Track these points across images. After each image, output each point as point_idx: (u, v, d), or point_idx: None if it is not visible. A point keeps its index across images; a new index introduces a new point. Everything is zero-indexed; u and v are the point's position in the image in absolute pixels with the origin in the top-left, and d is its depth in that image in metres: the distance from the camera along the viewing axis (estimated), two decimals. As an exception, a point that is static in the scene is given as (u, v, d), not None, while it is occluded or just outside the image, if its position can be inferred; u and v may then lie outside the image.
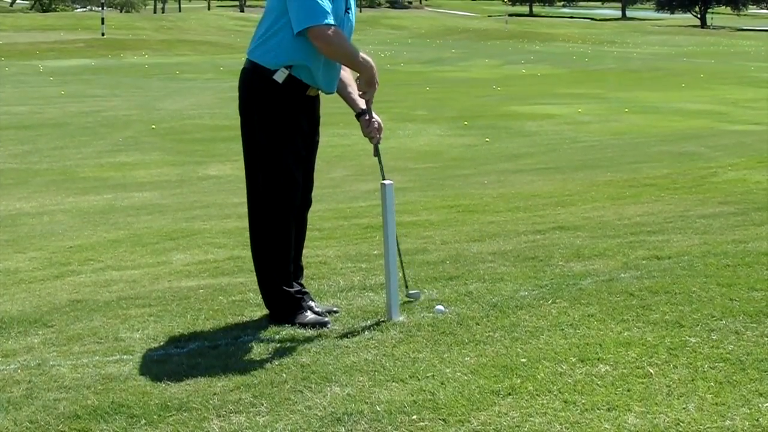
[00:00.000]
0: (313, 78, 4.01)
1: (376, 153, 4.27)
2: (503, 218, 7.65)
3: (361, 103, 4.19)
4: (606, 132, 17.93)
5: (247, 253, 6.12)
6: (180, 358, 3.86)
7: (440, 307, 4.39)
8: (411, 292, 4.45)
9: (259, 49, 3.99)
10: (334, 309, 4.43)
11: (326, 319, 4.23)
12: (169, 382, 3.55)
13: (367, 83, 3.96)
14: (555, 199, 8.77)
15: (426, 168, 13.43)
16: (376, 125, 4.20)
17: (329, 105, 4.73)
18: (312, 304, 4.36)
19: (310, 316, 4.22)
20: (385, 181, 4.11)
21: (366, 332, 4.06)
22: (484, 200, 8.89)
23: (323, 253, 6.12)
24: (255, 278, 4.39)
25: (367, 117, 4.13)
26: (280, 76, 3.93)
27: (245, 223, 4.50)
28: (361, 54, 3.93)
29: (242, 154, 4.26)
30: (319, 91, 4.11)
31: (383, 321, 4.20)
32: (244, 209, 4.26)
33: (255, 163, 4.05)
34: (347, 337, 4.00)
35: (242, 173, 4.30)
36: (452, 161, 14.19)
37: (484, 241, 6.44)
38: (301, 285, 4.41)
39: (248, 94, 4.03)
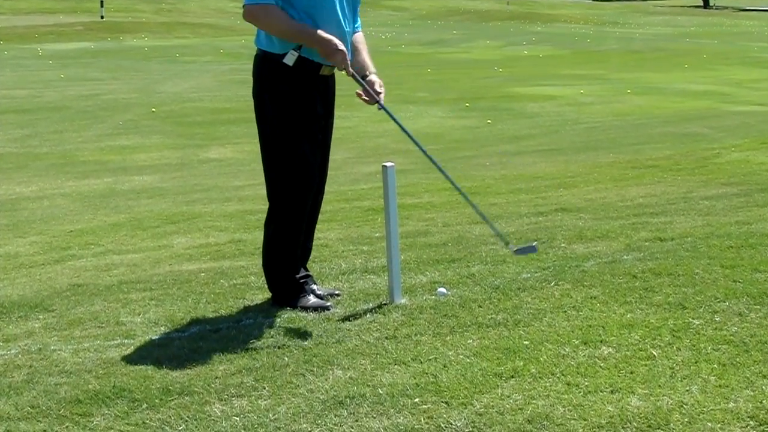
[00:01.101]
0: None
1: (385, 110, 4.09)
2: (505, 200, 7.65)
3: (369, 67, 4.14)
4: (608, 113, 17.87)
5: (249, 236, 6.28)
6: (181, 342, 3.87)
7: (442, 289, 4.40)
8: (519, 247, 4.25)
9: (263, 34, 3.98)
10: (336, 292, 4.44)
11: (328, 303, 4.24)
12: (170, 366, 3.56)
13: (327, 55, 3.87)
14: (557, 180, 8.77)
15: (428, 150, 13.55)
16: (377, 87, 4.12)
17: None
18: (314, 287, 4.37)
19: (312, 299, 4.22)
20: (387, 164, 4.13)
21: (368, 315, 4.06)
22: (486, 182, 8.88)
23: (325, 236, 6.10)
24: (256, 261, 4.43)
25: (361, 88, 4.04)
26: (290, 59, 3.89)
27: (246, 206, 4.49)
28: (320, 32, 3.87)
29: (244, 137, 4.35)
30: (334, 70, 4.07)
31: (385, 304, 4.21)
32: (245, 192, 4.26)
33: (271, 150, 4.04)
34: (349, 320, 4.01)
35: (243, 156, 4.37)
36: (454, 143, 14.15)
37: (485, 223, 6.42)
38: (305, 269, 4.41)
39: (260, 81, 4.02)
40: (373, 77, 4.10)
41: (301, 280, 4.27)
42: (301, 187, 4.06)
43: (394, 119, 4.06)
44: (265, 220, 4.21)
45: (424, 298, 4.32)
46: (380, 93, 4.09)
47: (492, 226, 4.36)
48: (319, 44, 3.82)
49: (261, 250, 4.38)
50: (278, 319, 4.09)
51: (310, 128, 4.00)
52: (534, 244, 4.36)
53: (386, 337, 3.76)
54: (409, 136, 4.08)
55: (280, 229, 4.13)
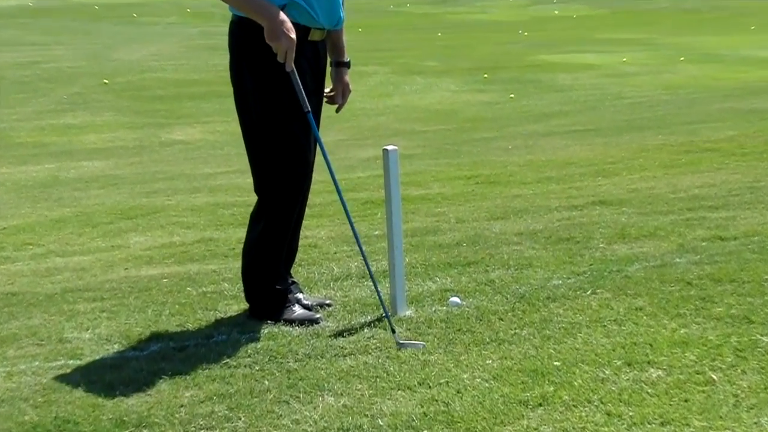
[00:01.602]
0: (311, 13, 3.99)
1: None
2: (532, 191, 7.59)
3: (343, 53, 4.28)
4: (657, 86, 17.82)
5: (221, 235, 6.26)
6: (139, 362, 3.85)
7: (455, 299, 4.39)
8: (402, 342, 3.99)
9: None
10: (327, 302, 4.42)
11: (317, 314, 4.21)
12: (125, 393, 3.54)
13: (270, 36, 3.85)
14: (595, 167, 8.73)
15: (437, 131, 13.45)
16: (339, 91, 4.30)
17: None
18: (300, 296, 4.34)
19: (297, 311, 4.20)
20: (388, 147, 4.11)
21: (365, 330, 4.05)
22: (509, 169, 8.81)
23: (314, 234, 6.11)
24: (231, 265, 4.42)
25: (297, 85, 3.98)
26: None
27: (218, 199, 4.46)
28: (278, 11, 3.89)
29: (216, 115, 4.37)
30: (324, 35, 4.12)
31: (387, 316, 4.15)
32: (218, 181, 4.26)
33: (255, 132, 4.04)
34: (343, 336, 4.00)
35: (215, 138, 4.38)
36: (469, 122, 14.09)
37: (509, 218, 6.39)
38: (290, 274, 4.41)
39: (238, 51, 4.03)
40: (343, 71, 4.25)
41: (286, 289, 4.29)
42: (293, 174, 4.05)
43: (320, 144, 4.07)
44: (252, 215, 4.19)
45: (434, 309, 4.31)
46: (343, 99, 4.29)
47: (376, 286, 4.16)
48: (267, 21, 3.81)
49: (237, 251, 4.40)
50: (257, 335, 4.06)
51: (299, 103, 3.98)
52: (422, 344, 3.97)
53: (387, 357, 3.74)
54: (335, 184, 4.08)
55: (271, 227, 4.11)
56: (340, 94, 4.32)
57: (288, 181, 4.07)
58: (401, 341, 3.92)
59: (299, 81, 3.90)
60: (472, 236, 5.85)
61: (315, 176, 4.31)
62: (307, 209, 4.46)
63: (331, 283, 4.88)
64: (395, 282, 4.20)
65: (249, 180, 4.35)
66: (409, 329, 4.06)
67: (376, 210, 6.85)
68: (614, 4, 37.91)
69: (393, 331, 3.97)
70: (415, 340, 3.95)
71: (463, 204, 7.17)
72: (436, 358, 3.72)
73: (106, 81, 18.51)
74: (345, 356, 3.79)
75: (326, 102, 4.30)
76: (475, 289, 4.64)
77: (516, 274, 4.88)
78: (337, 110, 4.37)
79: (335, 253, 5.60)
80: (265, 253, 4.18)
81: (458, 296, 4.46)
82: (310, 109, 3.95)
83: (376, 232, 6.06)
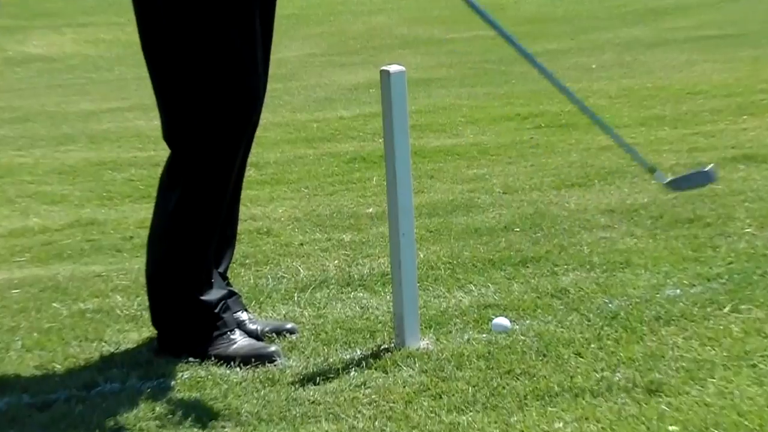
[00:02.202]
0: None
1: None
2: (631, 137, 6.37)
3: None
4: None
5: (109, 215, 5.58)
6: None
7: (502, 320, 3.71)
8: (677, 177, 3.80)
9: None
10: (288, 326, 3.73)
11: (271, 347, 3.54)
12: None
13: None
14: (736, 99, 7.49)
15: (471, 39, 11.86)
16: None
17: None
18: (244, 316, 3.70)
19: (239, 340, 3.55)
20: (390, 67, 3.52)
21: (353, 372, 3.39)
22: (592, 103, 7.21)
23: (266, 212, 5.38)
24: (127, 265, 4.18)
25: None
26: None
27: (103, 154, 4.42)
28: None
29: (99, 14, 5.15)
30: None
31: (387, 349, 3.54)
32: (101, 125, 4.40)
33: (165, 46, 3.52)
34: (315, 384, 3.35)
35: (97, 51, 4.83)
36: (526, 24, 12.41)
37: (591, 186, 5.51)
38: (225, 278, 3.73)
39: None
40: None
41: (219, 304, 3.60)
42: (230, 111, 3.49)
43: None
44: (161, 180, 3.63)
45: (466, 337, 3.59)
46: None
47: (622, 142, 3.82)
48: None
49: (138, 240, 4.27)
50: (171, 383, 3.42)
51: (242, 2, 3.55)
52: (708, 168, 3.71)
53: (389, 418, 3.09)
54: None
55: (192, 199, 3.55)
56: None
57: (222, 121, 3.50)
58: (669, 179, 3.74)
59: None
60: (530, 216, 5.01)
61: (262, 117, 3.60)
62: (254, 172, 4.12)
63: (296, 295, 4.08)
64: (401, 292, 3.53)
65: (156, 122, 3.88)
66: (425, 371, 3.30)
67: (370, 172, 6.07)
68: None
69: (651, 170, 3.73)
70: (692, 173, 3.74)
71: (514, 162, 6.19)
72: (469, 421, 3.06)
73: None
74: (318, 416, 3.15)
75: None
76: (536, 305, 3.86)
77: (604, 280, 4.08)
78: None
79: (301, 244, 4.77)
80: (183, 242, 3.59)
81: (506, 316, 3.77)
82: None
83: (370, 210, 5.27)
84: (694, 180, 3.79)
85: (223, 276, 3.69)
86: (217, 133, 3.52)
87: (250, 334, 3.61)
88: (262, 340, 3.62)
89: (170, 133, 3.59)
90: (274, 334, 3.68)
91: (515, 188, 5.57)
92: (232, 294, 3.68)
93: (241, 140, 3.59)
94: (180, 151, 3.58)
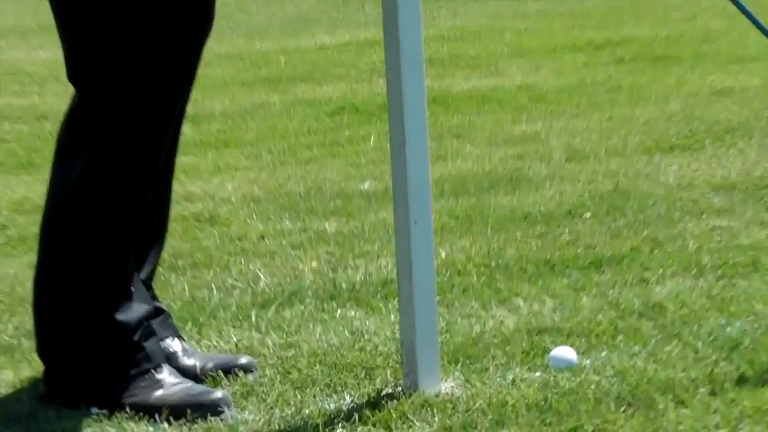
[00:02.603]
0: None
1: None
2: (759, 80, 5.63)
3: None
4: None
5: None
6: None
7: (565, 351, 3.08)
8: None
9: None
10: (241, 361, 3.14)
11: (217, 393, 2.93)
12: None
13: None
14: None
15: None
16: None
17: None
18: (177, 347, 3.11)
19: (168, 383, 2.94)
20: None
21: (339, 430, 2.82)
22: (698, 25, 6.80)
23: (208, 189, 4.72)
24: (1, 268, 3.90)
25: None
26: None
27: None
28: None
29: None
30: None
31: (391, 395, 2.94)
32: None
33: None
34: None
35: None
36: None
37: (699, 148, 4.80)
38: (149, 287, 3.11)
39: None
40: None
41: (139, 327, 2.98)
42: (177, 28, 2.95)
43: None
44: (58, 143, 3.05)
45: (511, 377, 2.96)
46: None
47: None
48: None
49: (20, 234, 4.07)
50: None
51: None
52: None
53: None
54: None
55: (107, 167, 2.99)
56: None
57: (161, 41, 2.97)
58: None
59: None
60: (607, 195, 4.25)
61: (212, 42, 2.95)
62: (184, 127, 3.03)
63: (253, 314, 3.38)
64: (412, 309, 2.92)
65: (44, 53, 4.00)
66: (448, 429, 2.69)
67: (365, 130, 5.36)
68: None
69: None
70: None
71: (583, 114, 5.34)
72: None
73: None
74: None
75: None
76: (616, 328, 3.16)
77: (719, 291, 3.35)
78: None
79: (262, 237, 4.07)
80: (90, 232, 3.02)
81: (572, 346, 3.14)
82: None
83: (365, 185, 4.59)
84: None
85: (147, 285, 3.00)
86: (153, 61, 2.88)
87: (185, 372, 2.95)
88: (202, 382, 2.96)
89: (80, 66, 2.92)
90: (220, 373, 3.03)
91: (584, 154, 4.81)
92: (159, 312, 2.99)
93: (188, 73, 2.96)
94: (94, 92, 2.90)
